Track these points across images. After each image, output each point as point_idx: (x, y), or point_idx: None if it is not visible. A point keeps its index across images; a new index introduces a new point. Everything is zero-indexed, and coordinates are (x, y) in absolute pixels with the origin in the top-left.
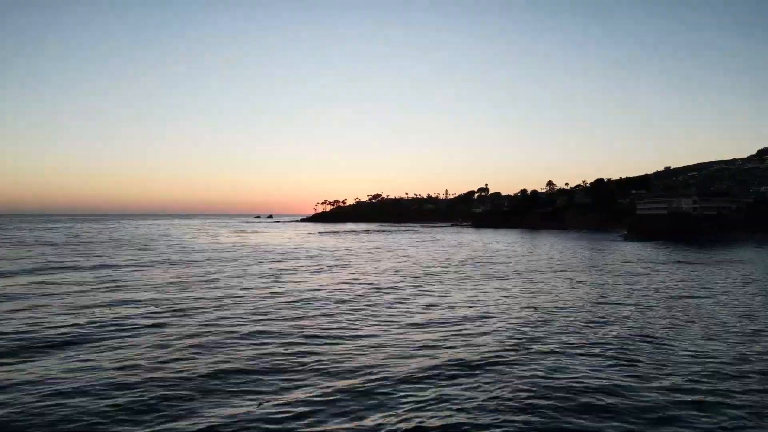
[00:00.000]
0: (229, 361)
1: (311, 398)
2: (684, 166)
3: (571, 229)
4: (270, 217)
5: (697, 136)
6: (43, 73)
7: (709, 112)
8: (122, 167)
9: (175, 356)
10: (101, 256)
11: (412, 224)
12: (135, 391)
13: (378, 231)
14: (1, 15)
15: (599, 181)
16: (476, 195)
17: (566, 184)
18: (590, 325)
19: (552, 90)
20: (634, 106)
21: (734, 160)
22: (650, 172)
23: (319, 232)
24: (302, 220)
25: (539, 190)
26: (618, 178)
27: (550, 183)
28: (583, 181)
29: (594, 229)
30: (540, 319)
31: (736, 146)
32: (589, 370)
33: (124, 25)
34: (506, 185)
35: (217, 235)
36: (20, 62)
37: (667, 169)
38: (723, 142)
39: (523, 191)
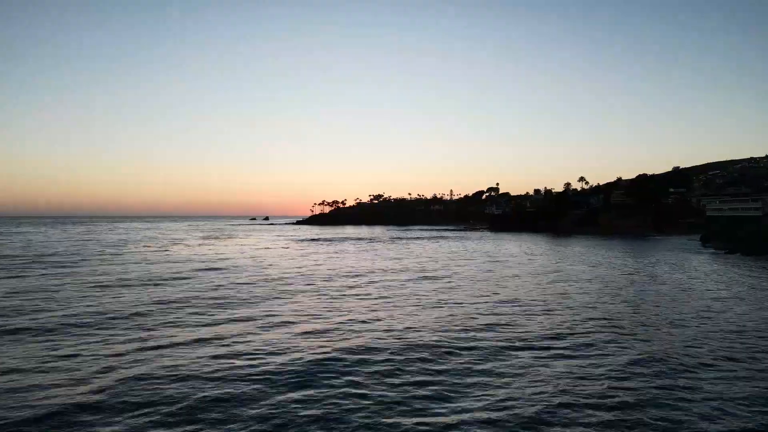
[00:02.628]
0: None
1: None
2: (693, 166)
3: (609, 234)
4: (266, 219)
5: (701, 136)
6: (40, 74)
7: (711, 112)
8: (119, 169)
9: None
10: None
11: (418, 227)
12: None
13: (389, 240)
14: (1, 16)
15: (642, 177)
16: (485, 195)
17: (586, 182)
18: None
19: (556, 89)
20: (638, 106)
21: (752, 158)
22: (658, 172)
23: (311, 239)
24: (298, 223)
25: (553, 190)
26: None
27: (581, 179)
28: (619, 177)
29: (641, 235)
30: None
31: (738, 145)
32: None
33: (122, 26)
34: (515, 185)
35: (180, 242)
36: (19, 62)
37: (676, 168)
38: (724, 141)
39: (536, 191)
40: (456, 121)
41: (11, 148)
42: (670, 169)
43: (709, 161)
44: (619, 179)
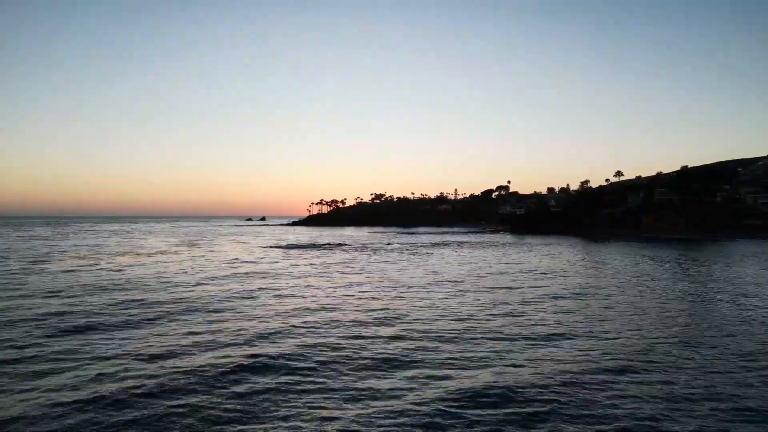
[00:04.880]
0: None
1: None
2: (702, 165)
3: (654, 237)
4: (263, 219)
5: (702, 135)
6: (39, 75)
7: (716, 111)
8: (118, 169)
9: None
10: None
11: (423, 228)
12: None
13: (403, 247)
14: (1, 16)
15: (689, 171)
16: (495, 194)
17: (606, 180)
18: None
19: (559, 86)
20: (642, 105)
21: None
22: (664, 171)
23: (303, 246)
24: (294, 224)
25: (569, 188)
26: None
27: (617, 174)
28: (659, 172)
29: (695, 239)
30: None
31: (738, 144)
32: None
33: (116, 25)
34: (521, 184)
35: (138, 251)
36: (18, 62)
37: (684, 168)
38: (724, 140)
39: (550, 189)
40: (457, 119)
41: (10, 148)
42: (678, 167)
43: (718, 160)
44: (642, 175)
